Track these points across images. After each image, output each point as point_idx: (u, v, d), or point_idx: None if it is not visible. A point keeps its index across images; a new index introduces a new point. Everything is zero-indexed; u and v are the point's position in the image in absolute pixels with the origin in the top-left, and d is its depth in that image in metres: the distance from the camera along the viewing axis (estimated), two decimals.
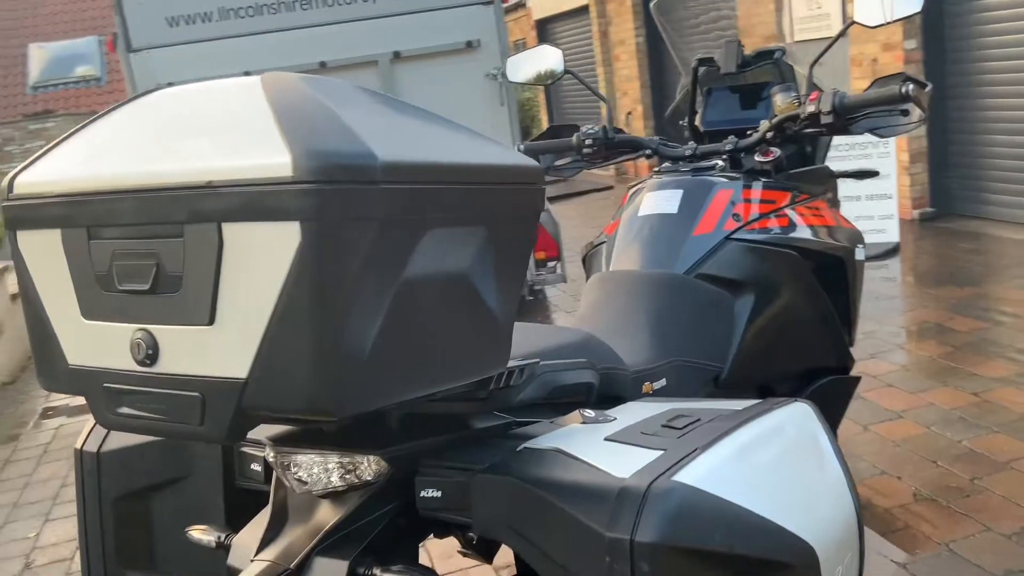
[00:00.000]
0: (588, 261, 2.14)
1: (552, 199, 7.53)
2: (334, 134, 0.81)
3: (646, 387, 1.53)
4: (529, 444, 1.10)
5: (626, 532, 0.90)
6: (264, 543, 1.10)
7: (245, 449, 1.24)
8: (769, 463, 1.06)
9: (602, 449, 1.05)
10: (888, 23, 1.96)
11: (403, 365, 0.89)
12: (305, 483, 1.09)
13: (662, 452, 1.01)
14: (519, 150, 2.28)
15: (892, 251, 5.84)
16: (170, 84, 4.05)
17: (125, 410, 0.93)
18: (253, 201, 0.80)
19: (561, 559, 0.97)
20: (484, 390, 1.09)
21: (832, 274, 2.06)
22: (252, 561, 1.07)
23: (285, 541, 1.08)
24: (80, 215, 0.92)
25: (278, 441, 1.08)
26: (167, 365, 0.89)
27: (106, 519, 1.30)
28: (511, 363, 1.12)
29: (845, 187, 5.35)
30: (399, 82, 5.18)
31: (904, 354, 4.08)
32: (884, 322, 4.50)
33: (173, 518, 1.27)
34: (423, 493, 1.08)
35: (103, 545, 1.30)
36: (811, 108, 1.95)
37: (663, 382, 1.60)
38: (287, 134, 0.81)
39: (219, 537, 1.17)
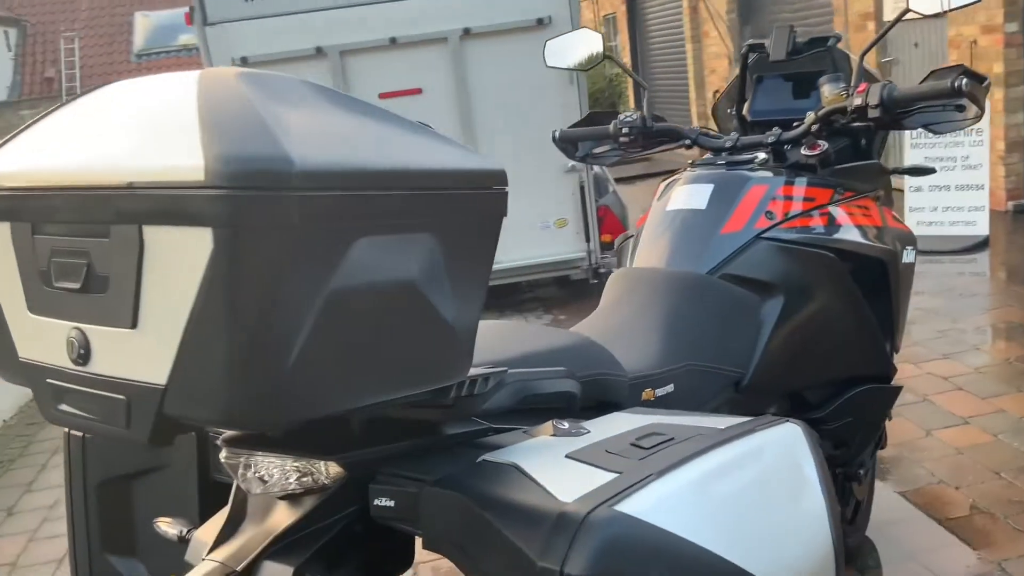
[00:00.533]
0: (619, 254, 2.07)
1: (621, 180, 7.40)
2: (253, 137, 0.78)
3: (647, 394, 1.47)
4: (489, 456, 1.06)
5: (556, 562, 0.86)
6: (218, 542, 1.09)
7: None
8: (733, 492, 0.99)
9: (559, 468, 1.01)
10: (945, 12, 1.83)
11: (338, 375, 0.86)
12: (265, 482, 1.08)
13: (616, 475, 0.96)
14: (554, 138, 2.22)
15: (981, 244, 5.55)
16: (244, 59, 4.09)
17: (64, 407, 0.92)
18: (169, 205, 0.78)
19: None
20: (445, 397, 1.05)
21: (874, 277, 1.95)
22: (203, 560, 1.06)
23: (239, 542, 1.07)
24: (24, 210, 0.91)
25: (232, 442, 1.07)
26: (98, 366, 0.88)
27: (90, 503, 1.31)
28: (476, 371, 1.08)
29: (933, 177, 5.10)
30: (468, 59, 5.14)
31: (980, 355, 3.87)
32: (962, 320, 4.28)
33: (151, 507, 1.28)
34: (376, 502, 1.05)
35: (87, 528, 1.31)
36: (858, 101, 1.84)
37: (669, 388, 1.53)
38: (205, 136, 0.78)
39: (182, 531, 1.17)
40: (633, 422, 1.18)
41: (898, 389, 2.10)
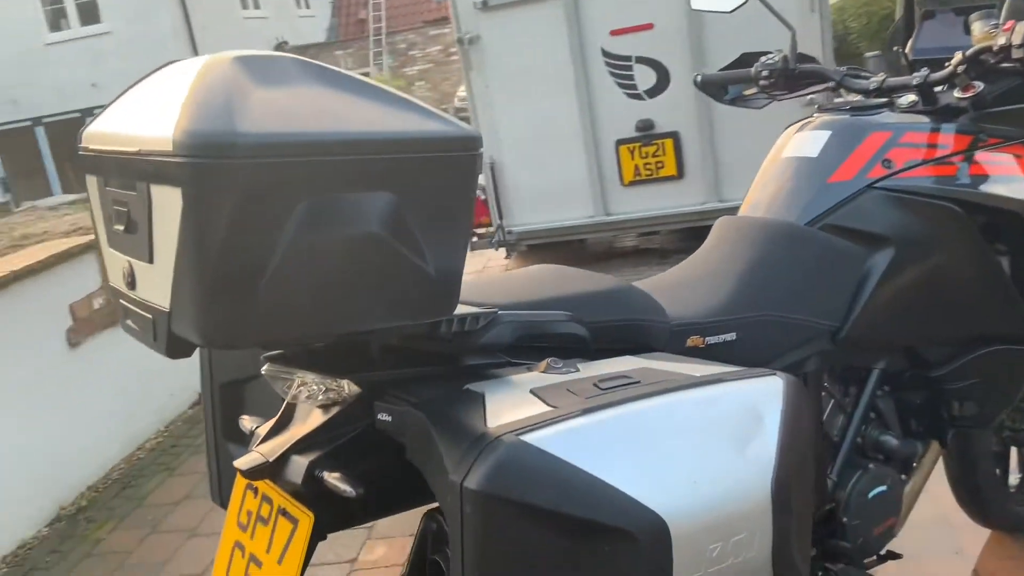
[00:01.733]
0: None
1: None
2: (211, 114, 0.96)
3: (694, 340, 1.52)
4: (471, 386, 1.20)
5: (459, 477, 0.99)
6: (266, 438, 1.32)
7: None
8: (665, 434, 1.06)
9: (515, 400, 1.12)
10: None
11: (307, 306, 1.03)
12: (299, 393, 1.30)
13: (549, 410, 1.06)
14: (696, 82, 2.23)
15: None
16: (484, 3, 4.37)
17: (128, 322, 1.19)
18: (158, 169, 0.99)
19: (439, 497, 1.08)
20: (439, 332, 1.20)
21: (1013, 232, 1.80)
22: (250, 451, 1.31)
23: (278, 440, 1.30)
24: (99, 166, 1.17)
25: (272, 359, 1.29)
26: (139, 291, 1.13)
27: (215, 400, 1.61)
28: (465, 311, 1.22)
29: None
30: None
31: None
32: None
33: (254, 406, 1.55)
34: (379, 416, 1.23)
35: (214, 421, 1.62)
36: (1002, 40, 1.70)
37: (729, 336, 1.56)
38: (180, 112, 0.98)
39: (254, 428, 1.42)
40: (626, 365, 1.26)
41: None
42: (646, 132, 5.57)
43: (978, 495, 2.30)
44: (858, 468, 1.78)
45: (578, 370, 1.24)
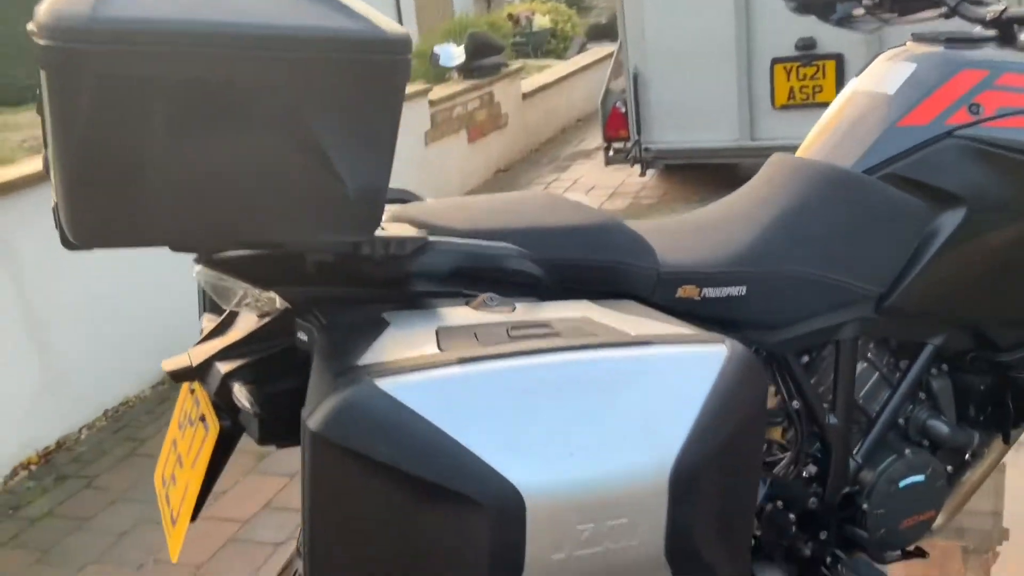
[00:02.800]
0: None
1: None
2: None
3: (687, 291, 1.35)
4: (387, 314, 1.10)
5: (307, 413, 0.91)
6: (203, 341, 1.29)
7: None
8: (540, 398, 0.92)
9: (413, 336, 1.02)
10: None
11: (193, 211, 0.96)
12: (229, 300, 1.25)
13: (432, 353, 0.96)
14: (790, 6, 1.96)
15: None
16: None
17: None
18: (37, 52, 0.94)
19: None
20: (361, 252, 1.10)
21: None
22: (186, 353, 1.28)
23: (210, 344, 1.26)
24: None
25: (202, 261, 1.23)
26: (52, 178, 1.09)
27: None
28: (396, 233, 1.12)
29: None
30: None
31: None
32: None
33: None
34: (297, 334, 1.16)
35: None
36: None
37: (736, 290, 1.38)
38: None
39: (206, 329, 1.39)
40: (568, 311, 1.13)
41: None
42: (807, 52, 5.12)
43: None
44: (892, 452, 1.57)
45: (514, 310, 1.12)
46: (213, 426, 1.21)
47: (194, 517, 1.24)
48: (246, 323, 1.27)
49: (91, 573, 2.55)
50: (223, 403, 1.21)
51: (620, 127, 5.63)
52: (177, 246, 1.02)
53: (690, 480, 0.96)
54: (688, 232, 1.46)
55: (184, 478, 1.25)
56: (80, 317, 3.48)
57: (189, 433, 1.29)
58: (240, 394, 1.17)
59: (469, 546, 0.90)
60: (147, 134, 0.91)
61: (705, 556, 1.01)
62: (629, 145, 5.60)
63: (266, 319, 1.23)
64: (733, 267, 1.40)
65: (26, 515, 2.90)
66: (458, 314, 1.10)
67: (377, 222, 1.04)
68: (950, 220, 1.49)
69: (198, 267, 1.25)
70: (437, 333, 1.03)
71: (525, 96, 7.58)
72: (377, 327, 1.06)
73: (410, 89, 5.51)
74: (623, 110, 5.56)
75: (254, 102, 0.94)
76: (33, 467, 3.21)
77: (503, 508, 0.89)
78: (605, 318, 1.11)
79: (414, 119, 5.90)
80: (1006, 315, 1.56)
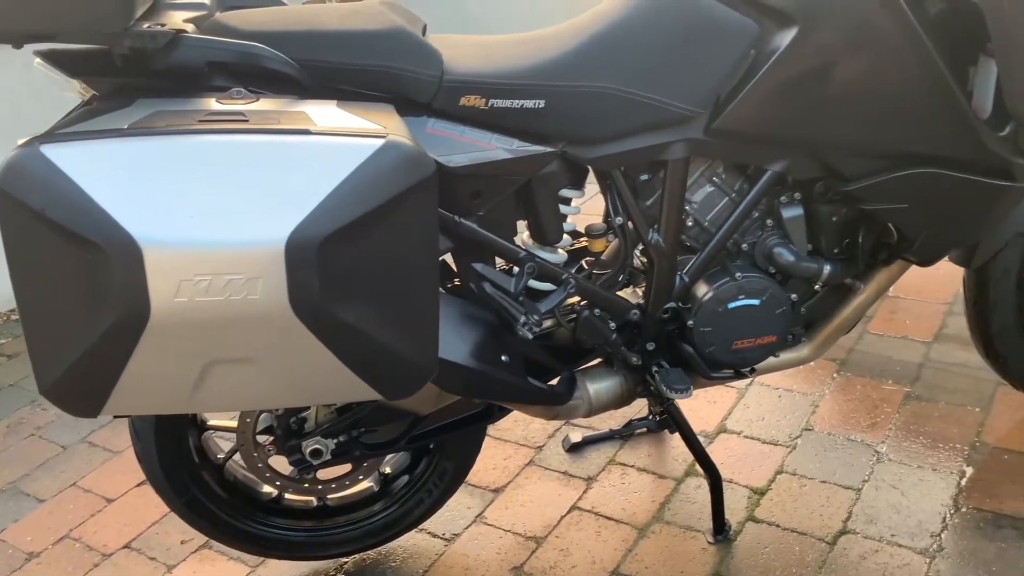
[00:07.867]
0: None
1: None
2: None
3: (471, 100, 1.40)
4: (141, 100, 1.25)
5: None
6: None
7: None
8: (177, 172, 1.07)
9: (119, 118, 1.15)
10: None
11: None
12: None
13: (109, 128, 1.13)
14: None
15: None
16: None
17: None
18: None
19: None
20: (117, 45, 1.22)
21: (969, 28, 1.38)
22: None
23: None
24: None
25: (39, 55, 1.41)
26: None
27: None
28: (141, 28, 1.25)
29: None
30: None
31: None
32: None
33: None
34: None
35: None
36: None
37: (534, 103, 1.42)
38: None
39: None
40: (296, 107, 1.24)
41: (1004, 188, 1.50)
42: None
43: (992, 345, 1.98)
44: (726, 275, 1.60)
45: (254, 103, 1.24)
46: None
47: None
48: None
49: None
50: None
51: None
52: None
53: (309, 250, 1.09)
54: (500, 47, 1.49)
55: None
56: None
57: None
58: None
59: (104, 284, 1.09)
60: None
61: (350, 320, 1.15)
62: None
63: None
64: (528, 80, 1.43)
65: None
66: (197, 103, 1.25)
67: (128, 17, 1.20)
68: (781, 39, 1.44)
69: (36, 59, 1.47)
70: (150, 116, 1.20)
71: None
72: (111, 107, 1.22)
73: None
74: None
75: None
76: None
77: (123, 253, 1.06)
78: (319, 114, 1.22)
79: None
80: (844, 142, 1.50)
